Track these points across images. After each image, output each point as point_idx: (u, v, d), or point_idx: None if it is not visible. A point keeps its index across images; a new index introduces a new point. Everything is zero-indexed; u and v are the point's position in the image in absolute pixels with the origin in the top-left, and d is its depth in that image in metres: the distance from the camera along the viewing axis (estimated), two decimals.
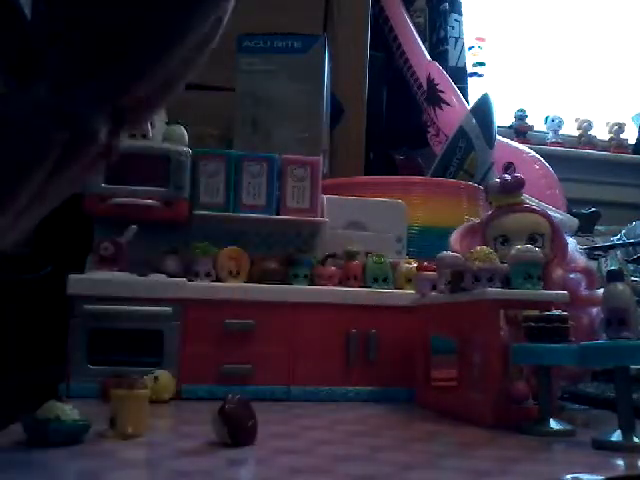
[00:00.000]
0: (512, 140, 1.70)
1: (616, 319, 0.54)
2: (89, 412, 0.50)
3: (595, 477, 0.44)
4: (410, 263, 0.86)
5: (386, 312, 0.81)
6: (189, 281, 0.78)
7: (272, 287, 0.80)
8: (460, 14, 1.73)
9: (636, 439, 0.51)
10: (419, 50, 1.62)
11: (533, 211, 0.73)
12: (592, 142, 1.96)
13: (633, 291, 0.56)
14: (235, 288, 0.79)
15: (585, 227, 1.39)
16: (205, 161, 0.84)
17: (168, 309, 0.76)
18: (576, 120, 2.00)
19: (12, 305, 0.84)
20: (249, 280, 0.81)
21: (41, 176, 0.34)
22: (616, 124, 1.99)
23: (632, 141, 2.00)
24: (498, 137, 1.45)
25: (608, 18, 2.16)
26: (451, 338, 0.69)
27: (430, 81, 1.57)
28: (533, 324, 0.59)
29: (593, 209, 1.51)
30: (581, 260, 0.73)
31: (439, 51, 1.69)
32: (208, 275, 0.80)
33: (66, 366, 0.74)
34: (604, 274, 0.59)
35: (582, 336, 0.62)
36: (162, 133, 0.85)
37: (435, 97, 1.56)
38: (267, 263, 0.82)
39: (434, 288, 0.75)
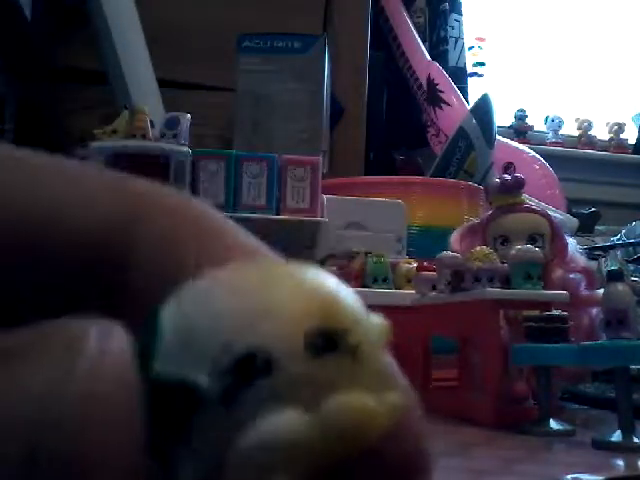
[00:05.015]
0: (512, 140, 1.70)
1: (616, 319, 0.54)
2: None
3: (595, 477, 0.43)
4: (410, 263, 0.86)
5: (386, 312, 0.80)
6: None
7: None
8: (460, 14, 1.73)
9: (636, 439, 0.51)
10: (419, 50, 1.62)
11: (533, 211, 0.72)
12: (592, 142, 1.96)
13: (633, 291, 0.56)
14: None
15: (585, 227, 1.39)
16: (205, 161, 0.84)
17: None
18: (576, 120, 2.00)
19: None
20: None
21: None
22: (616, 124, 1.99)
23: (632, 141, 2.00)
24: (498, 137, 1.45)
25: (608, 18, 2.16)
26: (451, 338, 0.69)
27: (430, 81, 1.57)
28: (533, 324, 0.59)
29: (593, 209, 1.51)
30: (581, 260, 0.73)
31: (439, 51, 1.69)
32: None
33: None
34: (604, 274, 0.59)
35: (582, 336, 0.62)
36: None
37: (435, 97, 1.56)
38: None
39: (434, 288, 0.75)
